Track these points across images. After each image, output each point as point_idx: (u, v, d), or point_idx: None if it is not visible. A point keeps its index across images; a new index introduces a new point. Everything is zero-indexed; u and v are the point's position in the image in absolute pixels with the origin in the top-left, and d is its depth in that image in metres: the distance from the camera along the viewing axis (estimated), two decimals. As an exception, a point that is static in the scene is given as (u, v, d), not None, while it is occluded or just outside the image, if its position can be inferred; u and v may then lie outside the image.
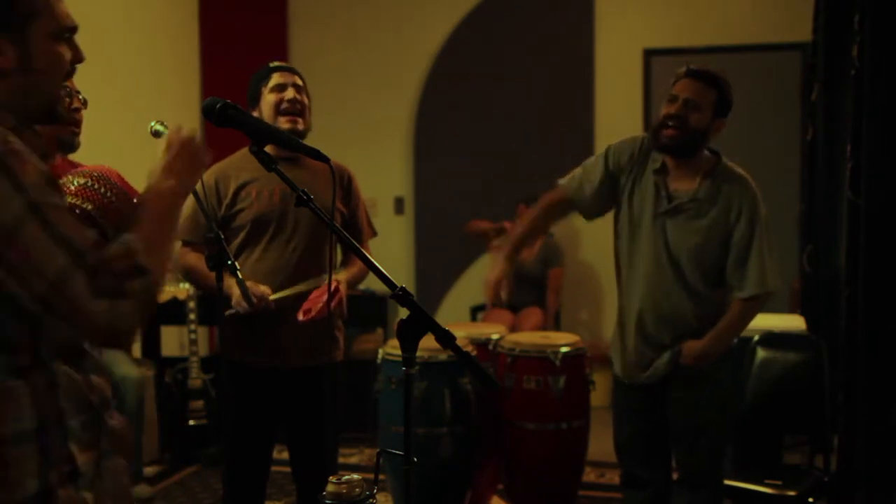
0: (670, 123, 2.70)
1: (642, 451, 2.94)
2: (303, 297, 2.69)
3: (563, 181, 2.99)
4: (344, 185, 2.89)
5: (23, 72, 1.40)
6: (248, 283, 2.58)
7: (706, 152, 2.81)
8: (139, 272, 1.36)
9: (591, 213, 2.97)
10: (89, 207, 2.26)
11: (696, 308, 2.78)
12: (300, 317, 2.61)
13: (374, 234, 3.03)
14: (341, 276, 2.79)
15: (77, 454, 1.40)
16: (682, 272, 2.75)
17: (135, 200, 2.35)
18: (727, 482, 3.07)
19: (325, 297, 2.60)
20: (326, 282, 2.69)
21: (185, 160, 1.62)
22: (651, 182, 2.80)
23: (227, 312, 2.63)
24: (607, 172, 2.88)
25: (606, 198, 2.91)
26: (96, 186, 2.29)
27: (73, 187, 2.29)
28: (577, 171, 2.97)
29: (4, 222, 1.28)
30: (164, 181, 1.57)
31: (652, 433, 2.90)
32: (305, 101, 2.84)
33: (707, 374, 2.78)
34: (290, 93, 2.78)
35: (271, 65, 2.86)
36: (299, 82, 2.84)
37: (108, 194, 2.31)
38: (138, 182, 2.51)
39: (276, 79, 2.80)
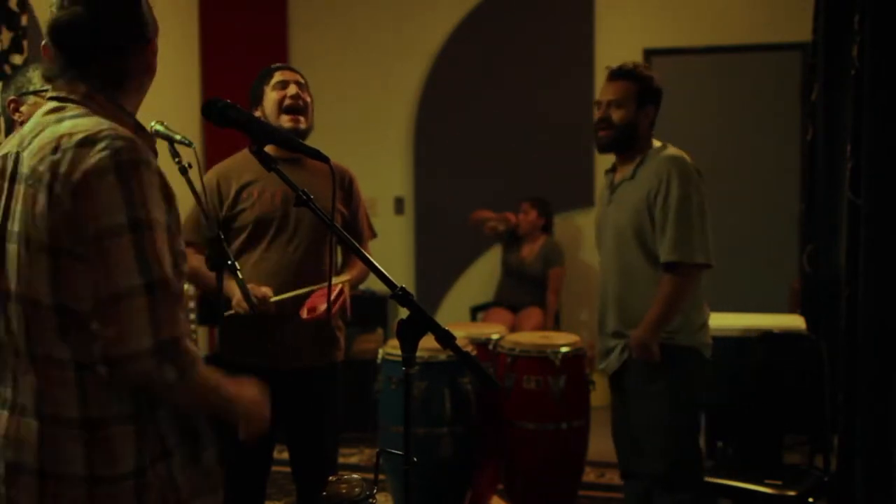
0: (600, 126, 2.94)
1: (626, 443, 2.99)
2: (304, 297, 2.69)
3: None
4: (345, 186, 2.90)
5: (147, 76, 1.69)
6: (250, 286, 2.58)
7: (656, 143, 2.94)
8: (181, 370, 1.46)
9: None
10: None
11: (642, 293, 2.84)
12: (303, 314, 2.60)
13: (374, 235, 3.04)
14: (344, 279, 2.78)
15: (168, 436, 1.53)
16: (625, 255, 2.88)
17: None
18: (727, 482, 3.08)
19: (330, 296, 2.60)
20: (326, 286, 2.70)
21: (249, 417, 1.64)
22: (605, 183, 3.05)
23: (227, 314, 2.63)
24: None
25: None
26: None
27: None
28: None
29: (101, 227, 1.41)
30: (228, 400, 1.61)
31: (629, 426, 2.94)
32: (308, 99, 2.85)
33: (660, 368, 2.81)
34: (292, 89, 2.79)
35: (273, 66, 2.89)
36: (301, 80, 2.86)
37: None
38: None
39: (278, 76, 2.82)
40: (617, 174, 3.00)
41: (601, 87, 3.00)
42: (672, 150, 2.90)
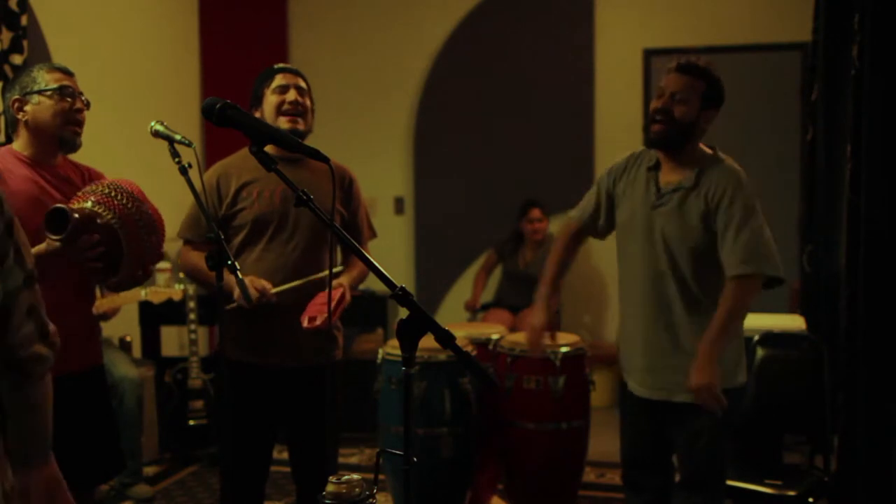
0: (657, 118, 2.74)
1: (644, 457, 2.92)
2: (305, 294, 2.69)
3: (571, 213, 3.09)
4: (345, 186, 2.89)
5: None
6: (249, 278, 2.58)
7: (706, 149, 2.81)
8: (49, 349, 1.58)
9: (603, 234, 3.05)
10: (109, 217, 2.31)
11: (689, 305, 2.74)
12: (304, 324, 2.60)
13: (374, 235, 3.03)
14: (343, 280, 2.78)
15: None
16: (674, 263, 2.74)
17: (148, 209, 2.38)
18: (727, 482, 3.07)
19: (331, 303, 2.60)
20: (327, 275, 2.70)
21: None
22: (643, 179, 2.84)
23: (229, 306, 2.63)
24: (604, 191, 2.96)
25: (608, 214, 2.97)
26: (118, 197, 2.34)
27: (96, 196, 2.33)
28: (582, 201, 3.07)
29: None
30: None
31: (654, 440, 2.89)
32: (308, 103, 2.83)
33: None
34: (291, 94, 2.77)
35: (276, 66, 2.86)
36: (302, 84, 2.83)
37: (129, 205, 2.36)
38: (144, 181, 2.53)
39: (279, 80, 2.80)
40: (664, 176, 2.80)
41: (665, 77, 2.77)
42: (731, 162, 2.79)
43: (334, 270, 2.87)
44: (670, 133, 2.72)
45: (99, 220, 2.31)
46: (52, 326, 1.63)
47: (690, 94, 2.71)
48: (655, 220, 2.77)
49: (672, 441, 2.85)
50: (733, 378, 2.76)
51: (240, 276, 2.41)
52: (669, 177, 2.79)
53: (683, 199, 2.74)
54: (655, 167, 2.82)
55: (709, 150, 2.81)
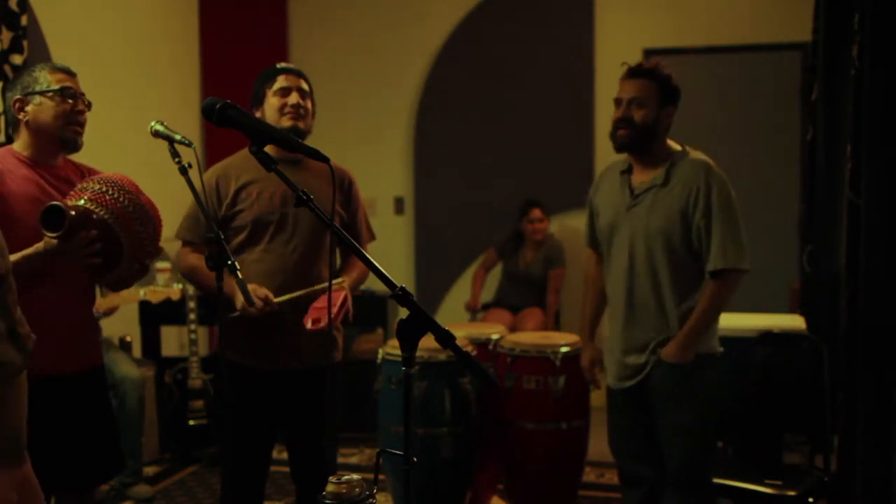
0: (620, 126, 2.86)
1: (633, 449, 2.97)
2: (306, 299, 2.68)
3: (585, 243, 3.20)
4: (344, 189, 2.89)
5: None
6: (251, 286, 2.57)
7: (675, 146, 2.90)
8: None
9: None
10: (104, 213, 2.30)
11: (665, 303, 2.81)
12: (308, 325, 2.60)
13: (373, 237, 3.03)
14: (344, 283, 2.77)
15: None
16: (651, 261, 2.82)
17: (142, 201, 2.38)
18: (727, 482, 3.08)
19: (334, 305, 2.60)
20: (330, 287, 2.70)
21: None
22: (618, 184, 2.95)
23: (231, 315, 2.63)
24: (590, 208, 3.09)
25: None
26: (112, 193, 2.34)
27: (90, 193, 2.33)
28: (585, 228, 3.16)
29: None
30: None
31: (641, 432, 2.93)
32: (309, 106, 2.82)
33: (684, 374, 2.80)
34: (293, 97, 2.77)
35: (278, 66, 2.85)
36: (305, 87, 2.82)
37: (123, 200, 2.36)
38: (144, 181, 2.53)
39: (280, 81, 2.79)
40: (636, 177, 2.90)
41: (620, 85, 2.90)
42: (698, 154, 2.87)
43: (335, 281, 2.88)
44: (633, 136, 2.84)
45: (94, 217, 2.30)
46: (26, 328, 1.61)
47: (646, 96, 2.83)
48: (632, 220, 2.87)
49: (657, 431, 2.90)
50: (707, 343, 2.85)
51: (240, 276, 2.41)
52: (641, 177, 2.89)
53: (656, 196, 2.84)
54: (628, 170, 2.94)
55: (678, 147, 2.91)
